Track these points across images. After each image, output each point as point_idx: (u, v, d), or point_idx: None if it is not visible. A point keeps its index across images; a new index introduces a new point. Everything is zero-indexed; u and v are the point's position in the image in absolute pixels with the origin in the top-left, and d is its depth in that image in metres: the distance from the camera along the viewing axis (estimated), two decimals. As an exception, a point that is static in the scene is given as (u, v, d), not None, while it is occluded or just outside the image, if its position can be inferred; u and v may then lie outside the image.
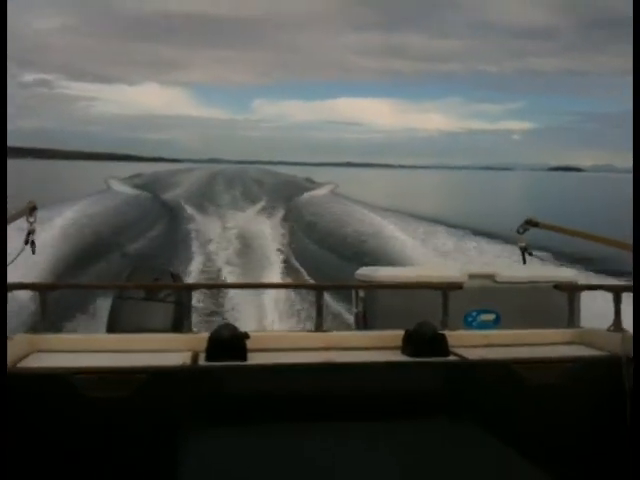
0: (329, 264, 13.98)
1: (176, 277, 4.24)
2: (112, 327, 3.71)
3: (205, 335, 2.91)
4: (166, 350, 3.00)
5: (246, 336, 2.85)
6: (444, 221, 24.19)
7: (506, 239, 15.30)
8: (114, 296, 3.91)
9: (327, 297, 4.26)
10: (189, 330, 3.21)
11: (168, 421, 2.56)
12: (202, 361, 2.83)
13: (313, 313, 3.32)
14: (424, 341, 2.93)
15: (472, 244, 17.27)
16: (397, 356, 2.99)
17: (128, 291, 3.81)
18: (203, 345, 2.86)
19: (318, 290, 3.31)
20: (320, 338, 3.15)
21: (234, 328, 2.92)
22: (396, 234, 18.31)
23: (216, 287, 10.15)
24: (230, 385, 2.62)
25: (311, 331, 3.24)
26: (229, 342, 2.81)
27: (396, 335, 3.08)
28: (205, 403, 2.59)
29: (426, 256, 14.45)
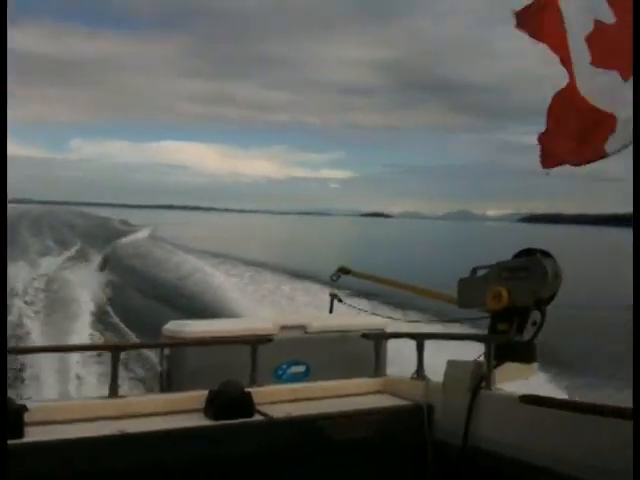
0: (151, 314, 13.33)
1: None
2: None
3: None
4: None
5: (24, 409, 2.48)
6: (267, 265, 24.46)
7: (326, 282, 15.75)
8: None
9: None
10: None
11: None
12: None
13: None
14: (228, 401, 2.77)
15: (293, 288, 17.56)
16: (200, 420, 2.79)
17: None
18: None
19: (114, 351, 3.02)
20: (114, 405, 2.85)
21: (11, 400, 2.54)
22: (220, 280, 18.10)
23: None
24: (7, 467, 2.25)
25: (104, 397, 2.92)
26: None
27: (200, 396, 2.88)
28: None
29: (249, 302, 14.43)
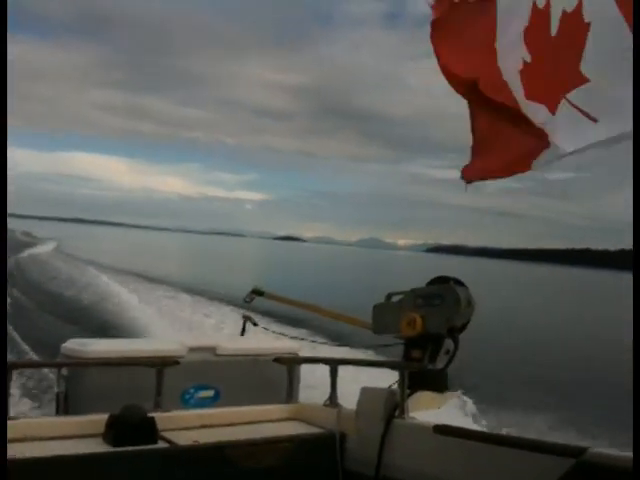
0: (52, 330, 12.65)
1: None
2: None
3: None
4: None
5: None
6: (178, 284, 23.95)
7: (239, 304, 15.55)
8: None
9: None
10: None
11: None
12: None
13: None
14: (130, 426, 2.60)
15: (206, 309, 17.26)
16: (98, 445, 2.60)
17: None
18: None
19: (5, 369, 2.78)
20: (8, 427, 2.62)
21: None
22: (128, 298, 17.55)
23: None
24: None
25: None
26: None
27: (99, 420, 2.69)
28: None
29: (156, 321, 14.03)
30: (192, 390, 3.71)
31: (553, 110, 2.54)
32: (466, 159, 2.91)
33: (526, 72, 2.58)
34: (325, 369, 3.17)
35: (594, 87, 2.40)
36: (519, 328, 23.17)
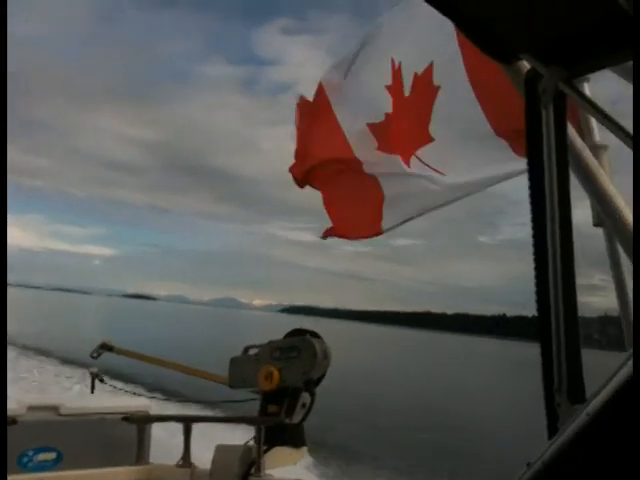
0: None
1: None
2: None
3: None
4: None
5: None
6: (15, 343, 22.21)
7: (81, 364, 14.66)
8: None
9: None
10: None
11: None
12: None
13: None
14: None
15: (47, 368, 16.15)
16: None
17: None
18: None
19: None
20: None
21: None
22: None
23: None
24: None
25: None
26: None
27: None
28: None
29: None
30: (31, 452, 3.39)
31: (407, 163, 2.75)
32: (319, 222, 3.11)
33: (385, 125, 2.78)
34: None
35: (439, 146, 2.63)
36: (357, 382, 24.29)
